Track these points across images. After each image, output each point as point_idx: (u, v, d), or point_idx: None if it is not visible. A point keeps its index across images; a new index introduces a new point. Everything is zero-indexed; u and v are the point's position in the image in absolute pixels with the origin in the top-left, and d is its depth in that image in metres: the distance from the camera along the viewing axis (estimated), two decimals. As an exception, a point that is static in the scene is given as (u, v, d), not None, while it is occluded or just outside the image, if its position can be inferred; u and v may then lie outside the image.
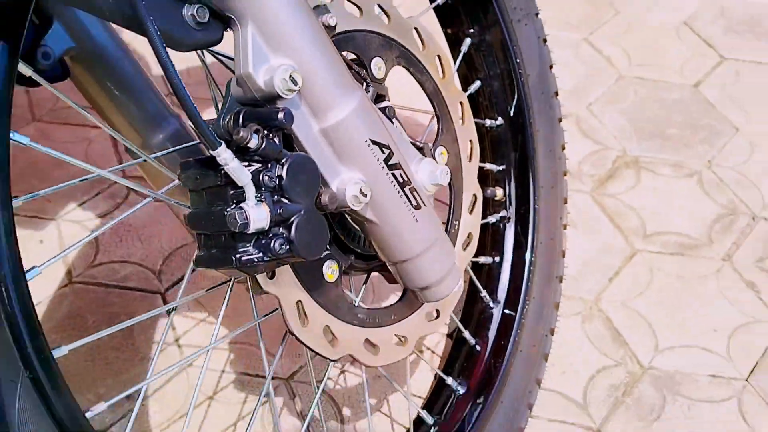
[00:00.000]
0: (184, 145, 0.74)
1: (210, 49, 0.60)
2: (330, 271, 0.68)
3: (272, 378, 1.04)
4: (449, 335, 1.10)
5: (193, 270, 0.64)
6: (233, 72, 0.59)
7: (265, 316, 0.71)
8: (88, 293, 1.13)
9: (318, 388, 0.78)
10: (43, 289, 1.13)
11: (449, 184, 0.76)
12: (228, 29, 0.58)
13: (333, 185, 0.63)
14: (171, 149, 0.74)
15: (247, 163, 0.57)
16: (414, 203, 0.68)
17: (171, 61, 0.52)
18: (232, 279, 0.71)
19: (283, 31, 0.58)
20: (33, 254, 1.13)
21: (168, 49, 0.52)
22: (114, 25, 0.75)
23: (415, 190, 0.68)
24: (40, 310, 1.09)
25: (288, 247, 0.58)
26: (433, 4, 0.89)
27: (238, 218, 0.56)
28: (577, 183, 1.31)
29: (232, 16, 0.57)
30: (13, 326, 0.52)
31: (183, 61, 1.34)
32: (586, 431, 1.02)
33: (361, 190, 0.63)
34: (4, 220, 0.52)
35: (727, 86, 1.50)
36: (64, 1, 0.56)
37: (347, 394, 1.04)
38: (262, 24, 0.57)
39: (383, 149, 0.65)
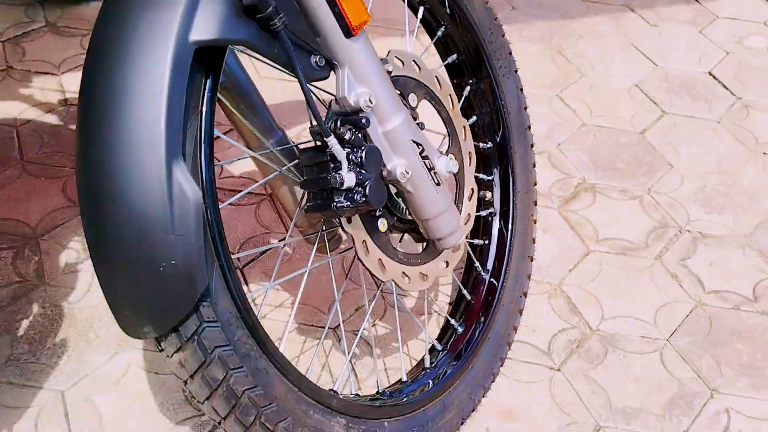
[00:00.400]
0: (287, 146, 1.15)
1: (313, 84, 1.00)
2: (382, 224, 1.08)
3: (323, 327, 1.43)
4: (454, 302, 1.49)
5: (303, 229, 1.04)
6: (333, 95, 1.00)
7: (340, 253, 1.10)
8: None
9: (357, 333, 1.17)
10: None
11: (456, 177, 1.17)
12: (332, 70, 0.99)
13: (389, 165, 1.03)
14: (284, 146, 1.15)
15: (342, 148, 0.97)
16: (436, 182, 1.09)
17: (309, 87, 0.93)
18: (322, 229, 1.11)
19: (364, 72, 0.99)
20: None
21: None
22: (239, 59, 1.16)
23: (437, 174, 1.09)
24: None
25: (364, 199, 0.98)
26: (445, 62, 1.31)
27: (337, 179, 0.96)
28: (548, 201, 1.72)
29: (336, 63, 0.98)
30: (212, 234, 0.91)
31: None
32: (549, 369, 1.41)
33: (405, 170, 1.04)
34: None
35: (666, 134, 1.93)
36: (246, 45, 0.96)
37: (379, 339, 1.43)
38: (353, 68, 0.98)
39: (419, 146, 1.06)
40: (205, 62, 0.89)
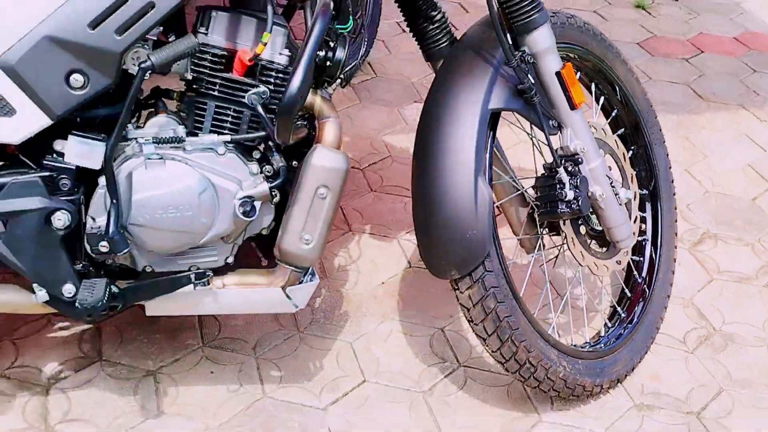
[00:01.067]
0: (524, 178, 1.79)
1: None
2: (583, 228, 1.70)
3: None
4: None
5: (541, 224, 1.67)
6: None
7: (529, 234, 1.72)
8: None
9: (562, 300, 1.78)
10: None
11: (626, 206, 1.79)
12: (560, 129, 1.63)
13: (591, 189, 1.65)
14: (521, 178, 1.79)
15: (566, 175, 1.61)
16: (619, 203, 1.70)
17: (550, 139, 1.57)
18: (539, 234, 1.73)
19: (579, 131, 1.63)
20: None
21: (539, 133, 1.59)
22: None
23: (619, 198, 1.71)
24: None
25: (578, 207, 1.60)
26: (616, 133, 1.93)
27: (563, 194, 1.59)
28: (680, 243, 2.30)
29: (563, 124, 1.62)
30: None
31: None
32: (684, 353, 1.96)
33: (601, 193, 1.66)
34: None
35: (773, 202, 2.49)
36: (517, 111, 1.62)
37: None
38: (574, 129, 1.62)
39: (609, 179, 1.68)
40: (492, 120, 1.55)
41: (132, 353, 1.85)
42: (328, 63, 1.42)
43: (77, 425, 1.68)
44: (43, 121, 1.34)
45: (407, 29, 1.71)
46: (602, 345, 1.83)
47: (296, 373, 1.84)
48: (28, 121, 1.34)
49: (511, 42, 1.52)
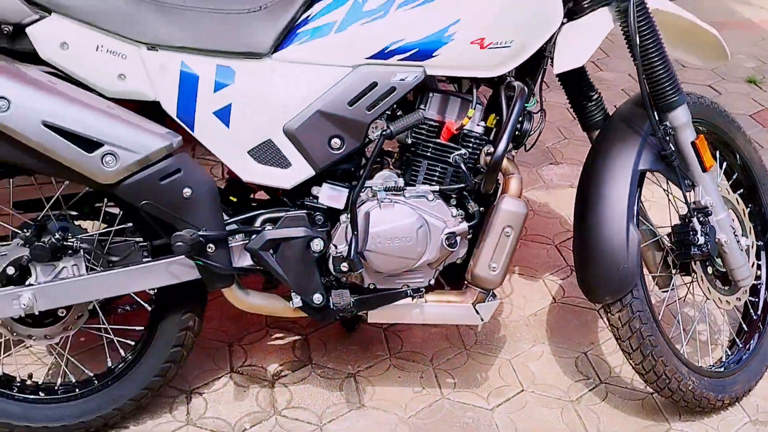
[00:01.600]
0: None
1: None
2: (710, 269, 2.09)
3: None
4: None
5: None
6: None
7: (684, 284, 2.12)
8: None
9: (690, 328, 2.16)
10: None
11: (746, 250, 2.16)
12: (693, 187, 2.03)
13: (718, 236, 2.04)
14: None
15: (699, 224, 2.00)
16: (740, 249, 2.09)
17: (687, 196, 1.98)
18: (671, 274, 2.12)
19: (710, 190, 2.03)
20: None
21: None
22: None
23: (740, 243, 2.09)
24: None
25: (708, 250, 1.99)
26: (737, 193, 2.30)
27: (697, 239, 1.98)
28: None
29: (696, 183, 2.03)
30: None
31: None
32: (795, 381, 2.30)
33: (726, 240, 2.05)
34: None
35: None
36: (660, 172, 2.04)
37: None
38: (704, 187, 2.02)
39: (733, 228, 2.07)
40: (640, 178, 1.97)
41: (335, 359, 2.31)
42: (517, 132, 1.88)
43: (299, 411, 2.14)
44: (309, 173, 1.84)
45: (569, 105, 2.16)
46: (724, 367, 2.19)
47: (467, 380, 2.26)
48: (298, 172, 1.83)
49: (656, 117, 1.94)
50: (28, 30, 1.71)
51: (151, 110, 1.80)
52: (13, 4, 1.69)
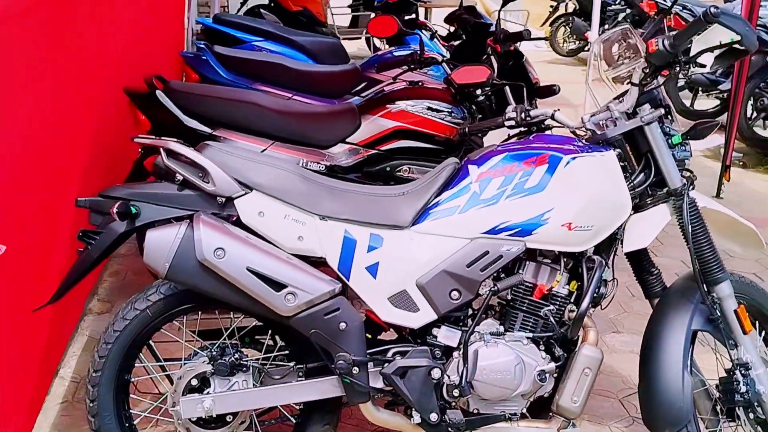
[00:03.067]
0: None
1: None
2: (751, 415, 2.54)
3: None
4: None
5: None
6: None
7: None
8: None
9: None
10: None
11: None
12: (736, 346, 2.52)
13: (758, 388, 2.51)
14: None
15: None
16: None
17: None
18: None
19: (751, 350, 2.52)
20: None
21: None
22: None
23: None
24: None
25: (749, 399, 2.45)
26: (774, 357, 2.78)
27: (741, 389, 2.45)
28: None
29: (738, 344, 2.52)
30: (690, 401, 2.44)
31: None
32: None
33: (765, 391, 2.51)
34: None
35: None
36: (706, 330, 2.55)
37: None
38: (745, 347, 2.52)
39: (770, 383, 2.55)
40: (693, 337, 2.48)
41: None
42: (595, 295, 2.43)
43: None
44: (432, 317, 2.40)
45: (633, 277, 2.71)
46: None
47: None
48: (424, 316, 2.40)
49: (705, 289, 2.48)
50: (235, 202, 2.35)
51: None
52: (228, 183, 2.34)
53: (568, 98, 6.53)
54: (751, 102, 6.94)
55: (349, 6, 8.21)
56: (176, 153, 2.36)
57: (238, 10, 8.83)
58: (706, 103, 7.79)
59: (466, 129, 2.83)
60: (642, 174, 2.50)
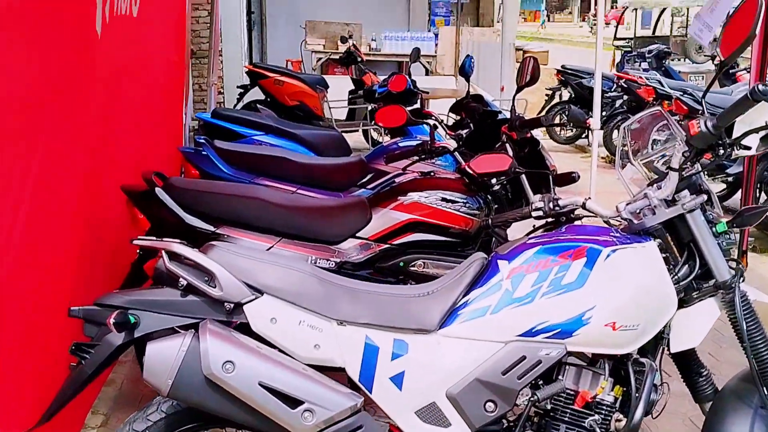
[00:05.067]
0: None
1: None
2: None
3: None
4: None
5: None
6: None
7: None
8: None
9: None
10: None
11: None
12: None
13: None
14: None
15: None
16: None
17: None
18: None
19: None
20: None
21: None
22: None
23: None
24: None
25: None
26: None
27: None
28: None
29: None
30: None
31: None
32: None
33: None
34: None
35: None
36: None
37: None
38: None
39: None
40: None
41: None
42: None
43: None
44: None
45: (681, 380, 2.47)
46: None
47: None
48: (456, 431, 2.15)
49: (765, 392, 2.24)
50: (245, 307, 2.13)
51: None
52: (237, 288, 2.12)
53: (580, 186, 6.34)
54: (758, 185, 6.81)
55: (348, 99, 8.13)
56: (179, 255, 2.15)
57: (235, 105, 8.79)
58: (712, 187, 7.67)
59: (490, 221, 2.64)
60: (686, 266, 2.29)
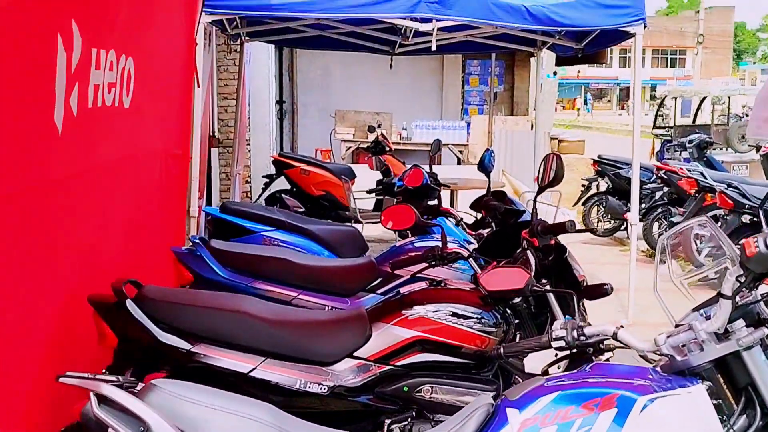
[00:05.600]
0: None
1: None
2: None
3: None
4: None
5: None
6: None
7: None
8: None
9: None
10: None
11: None
12: None
13: None
14: None
15: None
16: None
17: None
18: None
19: None
20: None
21: None
22: None
23: None
24: None
25: None
26: None
27: None
28: None
29: None
30: None
31: None
32: None
33: None
34: None
35: None
36: None
37: None
38: None
39: None
40: None
41: None
42: None
43: None
44: None
45: None
46: None
47: None
48: None
49: None
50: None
51: None
52: None
53: (617, 299, 5.82)
54: None
55: (368, 191, 7.81)
56: (110, 399, 1.75)
57: (260, 195, 8.54)
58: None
59: (501, 350, 2.19)
60: (743, 415, 1.83)
